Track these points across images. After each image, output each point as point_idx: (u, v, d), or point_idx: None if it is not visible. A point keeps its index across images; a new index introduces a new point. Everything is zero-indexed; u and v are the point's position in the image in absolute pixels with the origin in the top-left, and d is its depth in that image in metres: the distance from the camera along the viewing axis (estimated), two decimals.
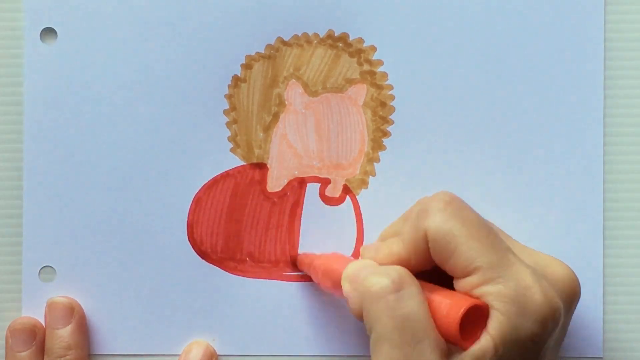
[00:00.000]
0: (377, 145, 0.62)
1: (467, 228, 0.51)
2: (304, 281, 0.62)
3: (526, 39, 0.62)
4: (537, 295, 0.50)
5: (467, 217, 0.52)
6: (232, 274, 0.62)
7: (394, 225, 0.59)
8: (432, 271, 0.54)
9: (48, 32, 0.61)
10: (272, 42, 0.62)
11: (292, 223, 0.62)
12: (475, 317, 0.50)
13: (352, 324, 0.62)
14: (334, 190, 0.62)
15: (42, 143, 0.61)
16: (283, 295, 0.62)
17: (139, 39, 0.61)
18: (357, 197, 0.62)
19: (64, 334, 0.60)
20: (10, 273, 0.62)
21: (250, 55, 0.62)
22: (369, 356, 0.62)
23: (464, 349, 0.50)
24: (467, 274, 0.51)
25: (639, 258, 0.62)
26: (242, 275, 0.62)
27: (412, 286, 0.51)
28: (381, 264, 0.55)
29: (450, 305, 0.50)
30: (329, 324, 0.62)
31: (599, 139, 0.62)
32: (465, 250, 0.51)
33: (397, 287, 0.51)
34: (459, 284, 0.52)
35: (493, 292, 0.50)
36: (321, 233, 0.62)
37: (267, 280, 0.62)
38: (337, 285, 0.56)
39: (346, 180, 0.62)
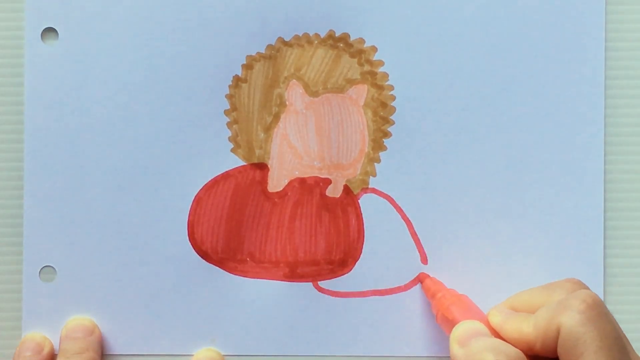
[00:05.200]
0: (377, 145, 0.62)
1: (600, 338, 0.51)
2: (304, 281, 0.62)
3: (527, 40, 0.62)
4: None
5: (604, 327, 0.51)
6: (233, 274, 0.62)
7: (531, 293, 0.57)
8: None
9: (49, 32, 0.61)
10: (273, 42, 0.62)
11: (292, 223, 0.62)
12: None
13: (352, 324, 0.62)
14: (334, 191, 0.62)
15: (42, 143, 0.61)
16: (283, 296, 0.62)
17: (139, 39, 0.62)
18: (357, 197, 0.62)
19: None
20: (10, 273, 0.62)
21: (251, 56, 0.62)
22: (369, 356, 0.62)
23: None
24: None
25: (639, 258, 0.62)
26: (243, 276, 0.62)
27: None
28: (507, 338, 0.55)
29: None
30: (329, 324, 0.62)
31: (600, 140, 0.62)
32: None
33: None
34: None
35: None
36: (322, 233, 0.62)
37: (268, 280, 0.62)
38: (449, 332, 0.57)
39: (347, 180, 0.62)
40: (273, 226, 0.62)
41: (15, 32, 0.62)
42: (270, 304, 0.62)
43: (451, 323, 0.57)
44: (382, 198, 0.62)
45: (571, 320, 0.51)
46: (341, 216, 0.62)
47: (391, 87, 0.62)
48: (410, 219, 0.62)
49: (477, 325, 0.56)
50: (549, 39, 0.62)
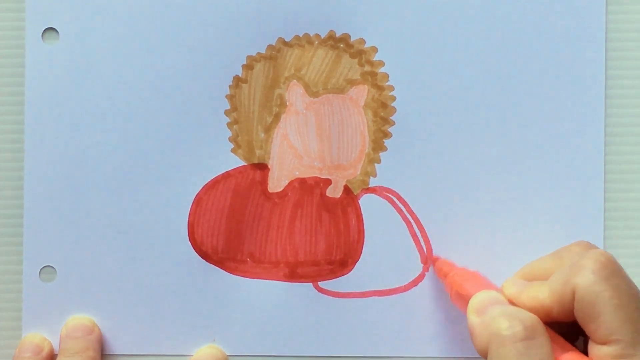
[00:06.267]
0: (378, 146, 0.62)
1: (617, 296, 0.50)
2: (304, 282, 0.62)
3: (527, 40, 0.62)
4: None
5: (619, 284, 0.51)
6: (233, 274, 0.62)
7: (541, 263, 0.57)
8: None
9: (50, 32, 0.62)
10: (274, 43, 0.62)
11: (292, 224, 0.62)
12: None
13: (352, 324, 0.62)
14: (334, 191, 0.62)
15: (43, 143, 0.61)
16: (283, 296, 0.62)
17: (140, 40, 0.62)
18: (357, 197, 0.62)
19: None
20: (10, 273, 0.62)
21: (251, 56, 0.62)
22: (369, 356, 0.62)
23: None
24: (605, 342, 0.50)
25: (639, 258, 0.62)
26: (243, 276, 0.62)
27: (543, 337, 0.51)
28: (523, 308, 0.54)
29: None
30: (329, 324, 0.62)
31: (600, 140, 0.62)
32: (610, 319, 0.50)
33: (529, 335, 0.51)
34: (594, 349, 0.51)
35: None
36: (322, 234, 0.62)
37: (268, 280, 0.62)
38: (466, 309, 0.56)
39: (347, 180, 0.62)
40: (273, 226, 0.62)
41: (16, 31, 0.62)
42: (270, 304, 0.62)
43: (465, 299, 0.56)
44: (382, 198, 0.62)
45: (586, 280, 0.51)
46: (341, 216, 0.62)
47: (391, 88, 0.62)
48: (410, 219, 0.62)
49: (494, 294, 0.55)
50: (549, 38, 0.62)
